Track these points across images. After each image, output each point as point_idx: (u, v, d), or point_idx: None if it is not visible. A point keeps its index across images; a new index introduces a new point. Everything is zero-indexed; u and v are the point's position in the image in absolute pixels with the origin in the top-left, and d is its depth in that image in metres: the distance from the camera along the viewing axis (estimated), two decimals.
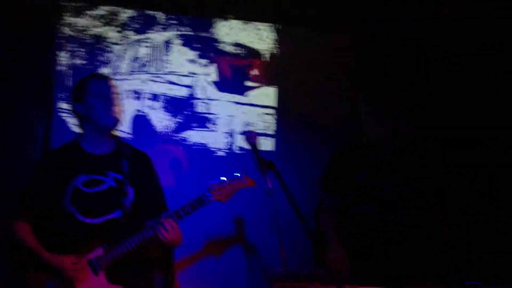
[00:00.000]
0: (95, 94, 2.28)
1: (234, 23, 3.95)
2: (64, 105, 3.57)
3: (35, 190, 2.28)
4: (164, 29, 3.81)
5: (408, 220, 2.76)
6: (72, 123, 3.51)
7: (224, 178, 2.31)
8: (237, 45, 3.95)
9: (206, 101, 3.88)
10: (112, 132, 2.40)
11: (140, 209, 2.34)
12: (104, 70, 3.63)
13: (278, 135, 4.03)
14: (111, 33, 3.68)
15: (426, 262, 2.77)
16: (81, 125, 2.35)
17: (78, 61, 3.62)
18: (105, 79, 2.41)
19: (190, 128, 3.84)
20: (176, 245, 2.37)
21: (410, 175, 2.82)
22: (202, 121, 3.87)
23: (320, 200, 2.84)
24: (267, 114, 4.01)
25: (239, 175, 2.31)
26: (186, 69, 3.83)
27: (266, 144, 3.98)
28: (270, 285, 2.38)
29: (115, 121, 2.32)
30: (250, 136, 2.09)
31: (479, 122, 3.82)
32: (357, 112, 3.86)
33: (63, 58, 3.59)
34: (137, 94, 3.76)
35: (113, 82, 2.41)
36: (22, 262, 2.21)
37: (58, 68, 3.58)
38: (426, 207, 2.82)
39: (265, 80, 3.99)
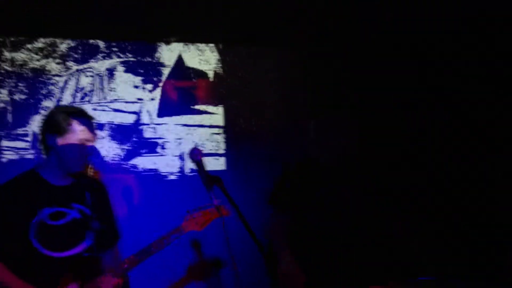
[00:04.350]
0: (76, 138, 2.19)
1: (177, 46, 3.98)
2: (5, 143, 3.51)
3: None
4: (106, 57, 3.79)
5: (361, 227, 2.81)
6: (12, 158, 3.46)
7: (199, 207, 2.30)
8: (181, 67, 3.98)
9: (154, 125, 3.87)
10: None
11: (101, 239, 2.30)
12: (47, 103, 3.59)
13: (227, 154, 4.06)
14: (52, 65, 3.64)
15: (383, 264, 2.82)
16: (46, 155, 2.26)
17: (19, 96, 3.55)
18: (90, 120, 2.27)
19: (139, 154, 3.83)
20: None
21: (362, 186, 2.85)
22: (151, 146, 3.86)
23: (269, 216, 2.85)
24: (216, 133, 4.04)
25: (213, 204, 2.27)
26: (131, 96, 3.83)
27: (217, 164, 4.01)
28: None
29: (83, 168, 2.28)
30: (195, 153, 2.10)
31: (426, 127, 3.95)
32: (306, 127, 3.93)
33: (3, 94, 3.52)
34: None
35: (94, 125, 2.33)
36: None
37: (0, 105, 3.51)
38: (381, 214, 2.86)
39: (211, 100, 4.02)
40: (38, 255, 2.15)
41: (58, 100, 3.63)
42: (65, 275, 2.11)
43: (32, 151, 3.50)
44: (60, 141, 2.19)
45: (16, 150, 3.52)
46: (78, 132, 2.20)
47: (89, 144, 2.24)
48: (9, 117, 3.52)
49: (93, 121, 2.31)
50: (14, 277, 2.13)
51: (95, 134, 2.29)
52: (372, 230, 2.75)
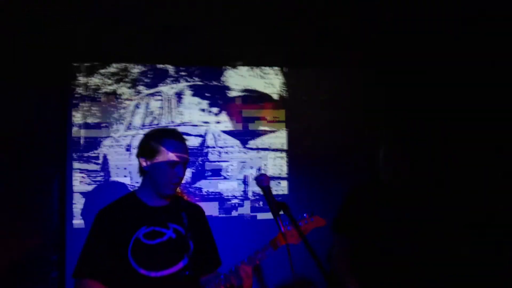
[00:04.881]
0: (165, 160, 2.17)
1: (242, 70, 4.01)
2: (76, 165, 3.63)
3: (98, 245, 2.20)
4: (175, 81, 3.87)
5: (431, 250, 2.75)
6: (85, 182, 3.60)
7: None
8: (247, 90, 4.01)
9: (218, 149, 3.92)
10: None
11: (198, 262, 2.28)
12: (118, 127, 3.71)
13: (290, 178, 4.04)
14: (123, 89, 3.75)
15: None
16: (142, 176, 2.30)
17: (92, 120, 3.68)
18: (181, 142, 2.25)
19: (204, 177, 3.88)
20: None
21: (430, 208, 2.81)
22: (216, 169, 3.90)
23: (333, 242, 2.82)
24: (279, 157, 4.03)
25: (306, 215, 2.26)
26: (197, 119, 3.89)
27: (280, 188, 4.01)
28: None
29: (174, 192, 2.28)
30: (262, 179, 2.08)
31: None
32: (370, 150, 3.87)
33: (77, 118, 3.65)
34: None
35: (186, 146, 2.29)
36: None
37: (73, 128, 3.63)
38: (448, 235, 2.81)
39: (276, 123, 4.02)
40: (136, 275, 2.15)
41: (129, 124, 3.75)
42: None
43: (102, 174, 3.62)
44: (150, 163, 2.21)
45: (87, 173, 3.64)
46: (167, 155, 2.19)
47: (180, 166, 2.22)
48: (82, 139, 3.67)
49: (185, 143, 2.29)
50: None
51: (186, 157, 2.26)
52: (436, 251, 2.70)
